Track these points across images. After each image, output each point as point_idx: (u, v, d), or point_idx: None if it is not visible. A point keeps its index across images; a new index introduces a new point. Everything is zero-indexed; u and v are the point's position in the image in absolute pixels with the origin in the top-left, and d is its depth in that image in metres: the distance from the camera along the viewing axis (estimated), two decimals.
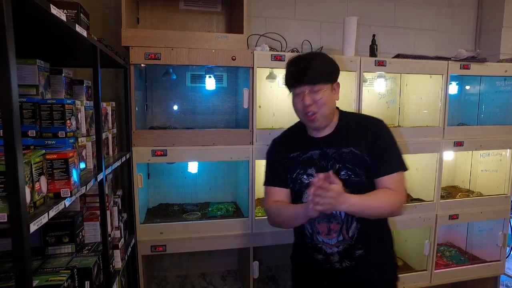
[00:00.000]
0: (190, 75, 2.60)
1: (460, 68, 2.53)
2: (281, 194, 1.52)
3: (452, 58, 2.51)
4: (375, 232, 1.41)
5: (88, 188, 1.25)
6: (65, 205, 1.01)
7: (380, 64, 2.38)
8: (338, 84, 1.43)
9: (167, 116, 2.59)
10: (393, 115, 2.97)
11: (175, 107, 2.58)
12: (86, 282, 1.32)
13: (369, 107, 2.84)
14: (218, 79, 2.63)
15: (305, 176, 1.42)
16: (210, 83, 2.49)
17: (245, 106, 2.23)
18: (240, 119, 2.51)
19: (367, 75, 2.66)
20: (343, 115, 1.49)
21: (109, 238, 1.69)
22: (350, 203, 1.21)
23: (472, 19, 3.12)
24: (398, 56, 2.47)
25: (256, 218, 2.31)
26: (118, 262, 1.64)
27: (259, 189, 2.78)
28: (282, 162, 1.52)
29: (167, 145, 2.14)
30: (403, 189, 1.35)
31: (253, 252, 2.34)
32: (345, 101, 2.52)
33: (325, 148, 1.39)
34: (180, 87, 2.60)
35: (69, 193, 1.04)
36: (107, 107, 1.80)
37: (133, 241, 2.05)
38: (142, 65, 2.23)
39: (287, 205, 1.48)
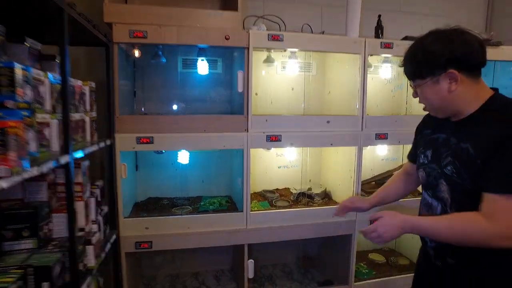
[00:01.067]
0: (182, 59, 2.37)
1: None
2: (409, 167, 1.48)
3: None
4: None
5: (44, 170, 1.02)
6: (2, 187, 0.78)
7: (387, 46, 2.15)
8: (451, 73, 1.08)
9: (156, 103, 2.35)
10: (399, 102, 2.73)
11: (166, 94, 2.35)
12: (44, 283, 1.09)
13: (373, 95, 2.61)
14: (212, 65, 2.40)
15: (422, 156, 1.29)
16: (202, 67, 2.26)
17: (240, 89, 2.00)
18: (236, 107, 2.27)
19: (371, 61, 2.42)
20: (491, 102, 1.13)
21: (82, 233, 1.45)
22: (409, 227, 1.14)
23: (482, 4, 2.89)
24: (406, 38, 2.24)
25: (251, 212, 2.07)
26: (91, 259, 1.41)
27: (256, 181, 2.56)
28: (417, 137, 1.42)
29: (153, 131, 1.90)
30: (502, 218, 1.02)
31: (248, 250, 2.11)
32: (347, 86, 2.29)
33: (450, 135, 1.19)
34: (172, 73, 2.36)
35: (7, 172, 0.81)
36: (84, 87, 1.57)
37: (114, 236, 1.82)
38: (124, 44, 2.00)
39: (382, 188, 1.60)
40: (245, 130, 2.00)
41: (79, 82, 1.51)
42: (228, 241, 2.06)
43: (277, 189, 2.58)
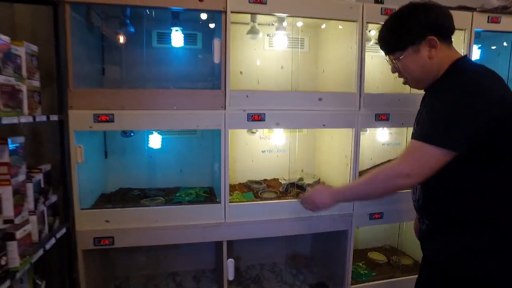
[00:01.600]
0: (157, 33, 2.06)
1: (488, 22, 1.96)
2: None
3: (477, 9, 1.95)
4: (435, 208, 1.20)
5: None
6: None
7: (388, 12, 1.82)
8: (430, 40, 1.12)
9: (127, 82, 2.05)
10: (402, 85, 2.39)
11: (139, 72, 2.04)
12: None
13: (373, 77, 2.29)
14: (191, 39, 2.09)
15: (413, 131, 1.25)
16: (177, 38, 1.95)
17: (216, 60, 1.68)
18: (217, 85, 1.96)
19: (372, 36, 2.10)
20: (450, 69, 1.14)
21: (7, 225, 1.14)
22: (338, 192, 1.28)
23: None
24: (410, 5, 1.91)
25: (230, 204, 1.75)
26: (14, 259, 1.10)
27: (241, 171, 2.24)
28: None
29: (114, 108, 1.59)
30: (405, 158, 1.10)
31: (229, 247, 1.79)
32: (343, 63, 1.97)
33: (422, 105, 1.27)
34: (146, 49, 2.05)
35: None
36: (17, 47, 1.27)
37: (64, 231, 1.50)
38: (79, 5, 1.69)
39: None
40: (222, 107, 1.68)
41: (7, 39, 1.20)
42: (204, 237, 1.74)
43: (265, 179, 2.25)
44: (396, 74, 1.25)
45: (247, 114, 1.70)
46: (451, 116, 1.02)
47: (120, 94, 1.60)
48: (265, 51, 2.19)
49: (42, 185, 1.40)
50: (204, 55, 2.11)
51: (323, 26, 2.20)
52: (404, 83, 1.25)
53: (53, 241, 1.39)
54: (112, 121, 1.59)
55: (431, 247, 1.21)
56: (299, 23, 2.12)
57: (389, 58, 1.23)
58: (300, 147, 2.29)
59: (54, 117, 1.45)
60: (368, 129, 2.19)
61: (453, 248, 1.12)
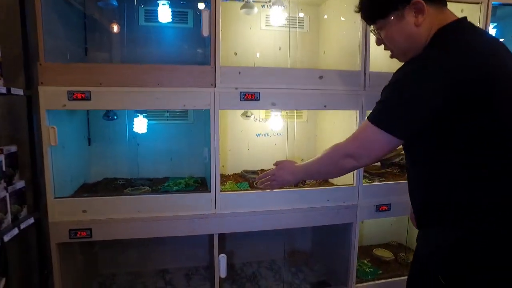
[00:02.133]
0: (145, 11, 1.87)
1: None
2: None
3: None
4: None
5: None
6: None
7: None
8: (415, 3, 0.93)
9: (109, 61, 1.85)
10: None
11: (124, 52, 1.85)
12: None
13: (377, 60, 2.08)
14: (181, 17, 1.89)
15: None
16: (164, 13, 1.75)
17: (205, 33, 1.48)
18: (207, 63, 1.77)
19: None
20: (434, 39, 0.96)
21: None
22: (298, 170, 1.23)
23: None
24: None
25: (222, 193, 1.55)
26: None
27: (236, 160, 2.04)
28: None
29: (91, 84, 1.40)
30: (353, 138, 1.04)
31: (221, 242, 1.58)
32: (346, 42, 1.77)
33: None
34: (132, 27, 1.86)
35: None
36: None
37: (31, 221, 1.31)
38: None
39: None
40: (212, 85, 1.48)
41: None
42: (193, 230, 1.54)
43: (261, 169, 2.05)
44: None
45: (240, 92, 1.50)
46: (398, 97, 0.91)
47: (97, 69, 1.40)
48: (262, 31, 1.99)
49: (4, 169, 1.21)
50: (196, 35, 1.91)
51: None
52: (391, 56, 1.08)
53: (15, 231, 1.19)
54: (88, 99, 1.39)
55: (417, 240, 1.06)
56: None
57: (373, 28, 1.07)
58: (300, 135, 2.09)
59: (18, 91, 1.25)
60: None
61: (432, 241, 0.99)
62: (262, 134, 2.03)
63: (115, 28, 1.82)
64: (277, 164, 1.37)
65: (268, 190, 1.40)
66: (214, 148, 1.51)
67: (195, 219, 1.52)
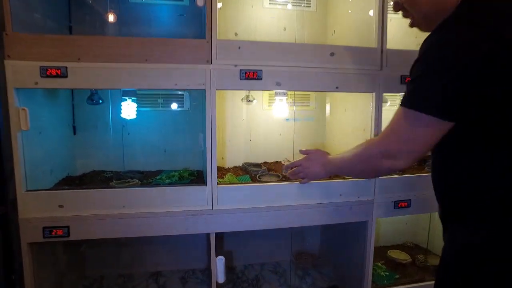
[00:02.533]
0: None
1: None
2: None
3: None
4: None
5: None
6: None
7: None
8: None
9: None
10: None
11: (110, 31, 1.63)
12: None
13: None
14: None
15: None
16: None
17: (200, 3, 1.27)
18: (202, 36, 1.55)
19: None
20: (462, 3, 0.77)
21: None
22: (329, 163, 1.17)
23: None
24: None
25: (219, 186, 1.33)
26: None
27: (237, 153, 1.82)
28: None
29: (68, 59, 1.18)
30: (386, 132, 0.88)
31: (216, 241, 1.36)
32: (358, 18, 1.55)
33: None
34: (121, 4, 1.65)
35: None
36: None
37: None
38: None
39: None
40: (208, 61, 1.27)
41: None
42: (186, 229, 1.31)
43: (265, 162, 1.83)
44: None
45: (240, 70, 1.28)
46: (433, 70, 0.75)
47: (75, 42, 1.19)
48: (265, 10, 1.77)
49: None
50: (192, 13, 1.69)
51: None
52: (411, 25, 0.91)
53: None
54: (64, 76, 1.18)
55: (444, 240, 0.89)
56: None
57: None
58: (307, 125, 1.87)
59: None
60: (388, 100, 1.75)
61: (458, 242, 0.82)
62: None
63: (103, 5, 1.61)
64: (304, 153, 1.27)
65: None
66: (210, 134, 1.29)
67: (188, 215, 1.30)
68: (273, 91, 1.60)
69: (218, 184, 1.32)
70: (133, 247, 1.78)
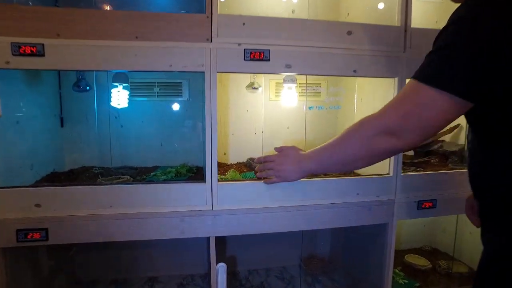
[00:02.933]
0: None
1: None
2: None
3: None
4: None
5: None
6: None
7: None
8: None
9: None
10: None
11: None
12: None
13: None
14: None
15: None
16: None
17: None
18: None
19: None
20: None
21: None
22: (297, 171, 1.00)
23: None
24: None
25: (220, 184, 1.14)
26: None
27: (240, 148, 1.63)
28: None
29: (45, 35, 1.00)
30: (392, 106, 0.73)
31: (216, 245, 1.17)
32: None
33: None
34: None
35: None
36: None
37: None
38: None
39: None
40: (208, 39, 1.08)
41: None
42: (182, 232, 1.13)
43: None
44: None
45: (244, 50, 1.09)
46: (456, 43, 0.64)
47: (54, 15, 1.01)
48: None
49: None
50: None
51: None
52: None
53: None
54: (41, 55, 1.00)
55: (484, 243, 0.74)
56: None
57: None
58: (319, 116, 1.67)
59: None
60: None
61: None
62: (315, 107, 1.58)
63: None
64: (278, 150, 1.08)
65: (265, 181, 1.11)
66: (210, 123, 1.10)
67: (185, 217, 1.12)
68: (281, 79, 1.41)
69: (219, 181, 1.13)
70: (127, 250, 1.60)
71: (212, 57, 1.08)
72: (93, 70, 1.30)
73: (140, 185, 1.12)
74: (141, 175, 1.37)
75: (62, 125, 1.47)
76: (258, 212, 1.16)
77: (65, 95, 1.46)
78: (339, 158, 0.86)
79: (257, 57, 1.09)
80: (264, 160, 1.11)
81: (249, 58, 1.09)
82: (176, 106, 1.54)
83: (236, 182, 1.16)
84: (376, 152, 0.78)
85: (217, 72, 1.09)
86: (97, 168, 1.42)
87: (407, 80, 1.23)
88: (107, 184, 1.13)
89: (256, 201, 1.16)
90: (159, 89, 1.53)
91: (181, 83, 1.54)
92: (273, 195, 1.16)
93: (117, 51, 1.03)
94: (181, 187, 1.12)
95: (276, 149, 1.10)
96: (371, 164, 0.85)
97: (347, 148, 0.83)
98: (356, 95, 1.49)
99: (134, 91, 1.50)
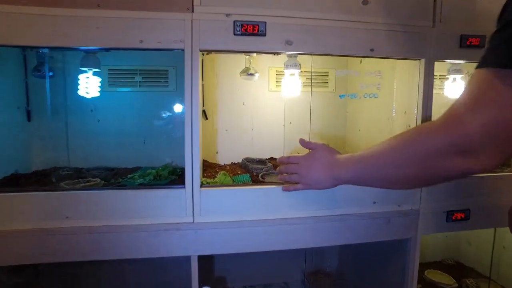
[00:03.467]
0: None
1: None
2: None
3: None
4: None
5: None
6: None
7: None
8: None
9: None
10: None
11: None
12: None
13: None
14: None
15: None
16: None
17: None
18: None
19: None
20: None
21: None
22: (330, 179, 0.76)
23: None
24: None
25: (204, 190, 0.90)
26: None
27: (231, 141, 1.40)
28: None
29: None
30: (464, 107, 0.49)
31: (199, 264, 0.93)
32: None
33: None
34: None
35: None
36: None
37: None
38: None
39: None
40: (188, 8, 0.84)
41: None
42: (156, 250, 0.88)
43: (271, 158, 1.40)
44: None
45: (234, 22, 0.85)
46: None
47: None
48: None
49: None
50: None
51: None
52: None
53: None
54: None
55: None
56: None
57: None
58: (325, 107, 1.43)
59: None
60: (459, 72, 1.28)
61: None
62: (370, 95, 1.28)
63: None
64: (307, 146, 0.84)
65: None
66: (191, 114, 0.86)
67: (160, 231, 0.88)
68: (283, 65, 1.17)
69: (201, 186, 0.89)
70: (92, 266, 1.36)
71: (194, 31, 0.84)
72: (41, 47, 1.07)
73: (106, 191, 0.88)
74: (117, 177, 1.14)
75: (29, 119, 1.25)
76: (252, 226, 0.91)
77: (32, 84, 1.23)
78: (387, 176, 0.62)
79: (250, 31, 0.85)
80: (287, 161, 0.87)
81: (240, 32, 0.85)
82: (160, 98, 1.31)
83: (223, 188, 0.91)
84: (443, 175, 0.54)
85: (200, 50, 0.85)
86: (66, 169, 1.20)
87: (436, 63, 0.99)
88: (64, 190, 0.89)
89: (249, 211, 0.91)
90: (142, 77, 1.30)
91: (167, 70, 1.30)
92: (270, 205, 0.92)
93: (72, 23, 0.80)
94: (155, 194, 0.88)
95: (302, 143, 0.85)
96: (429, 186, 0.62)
97: (400, 167, 0.58)
98: (395, 82, 1.23)
99: (112, 80, 1.27)
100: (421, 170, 0.55)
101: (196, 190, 0.88)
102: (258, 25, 0.85)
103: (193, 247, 0.89)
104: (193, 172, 0.87)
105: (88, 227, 0.85)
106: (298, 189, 0.86)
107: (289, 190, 0.88)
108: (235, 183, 1.01)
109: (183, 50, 0.84)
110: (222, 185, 0.96)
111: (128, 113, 1.31)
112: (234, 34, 0.85)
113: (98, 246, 0.86)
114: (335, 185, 0.78)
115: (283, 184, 0.92)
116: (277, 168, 0.92)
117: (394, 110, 1.09)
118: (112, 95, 1.28)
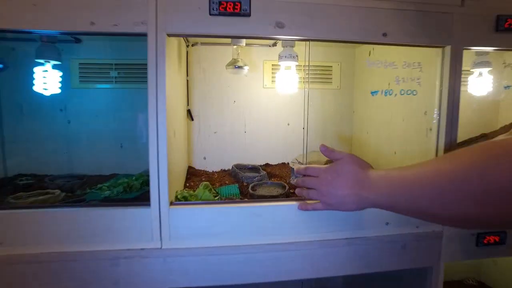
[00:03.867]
0: None
1: None
2: None
3: None
4: None
5: None
6: None
7: None
8: None
9: None
10: None
11: None
12: None
13: None
14: None
15: None
16: None
17: None
18: None
19: None
20: None
21: None
22: (362, 198, 0.56)
23: None
24: None
25: (173, 208, 0.72)
26: None
27: (221, 146, 1.21)
28: None
29: None
30: None
31: None
32: None
33: None
34: None
35: None
36: None
37: None
38: None
39: None
40: None
41: None
42: (115, 283, 0.71)
43: (266, 164, 1.21)
44: None
45: None
46: None
47: None
48: None
49: None
50: None
51: None
52: None
53: None
54: None
55: None
56: None
57: None
58: (329, 106, 1.24)
59: None
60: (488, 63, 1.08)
61: None
62: (403, 91, 1.04)
63: None
64: (329, 155, 0.66)
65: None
66: (156, 114, 0.69)
67: (120, 259, 0.70)
68: (278, 58, 0.98)
69: (171, 204, 0.71)
70: None
71: (159, 11, 0.66)
72: None
73: (52, 210, 0.71)
74: (85, 187, 0.97)
75: None
76: (235, 253, 0.73)
77: None
78: (441, 212, 0.43)
79: (230, 10, 0.66)
80: (305, 173, 0.68)
81: (217, 12, 0.66)
82: (139, 95, 1.14)
83: (199, 206, 0.73)
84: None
85: (168, 34, 0.67)
86: (26, 178, 1.03)
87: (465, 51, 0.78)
88: (9, 208, 0.72)
89: (232, 235, 0.73)
90: (118, 72, 1.12)
91: (146, 64, 1.12)
92: (259, 226, 0.74)
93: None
94: (112, 213, 0.71)
95: (324, 150, 0.66)
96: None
97: (461, 204, 0.40)
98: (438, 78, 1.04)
99: (84, 76, 1.10)
100: (478, 206, 0.36)
101: (164, 209, 0.70)
102: (240, 3, 0.66)
103: (161, 279, 0.71)
104: (159, 186, 0.69)
105: (25, 254, 0.68)
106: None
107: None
108: (216, 199, 0.83)
109: (145, 34, 0.66)
110: (197, 202, 0.77)
111: (103, 113, 1.13)
112: (210, 14, 0.66)
113: (42, 278, 0.68)
114: (363, 208, 0.59)
115: (275, 199, 0.73)
116: (295, 180, 0.73)
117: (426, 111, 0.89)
118: (84, 92, 1.11)
